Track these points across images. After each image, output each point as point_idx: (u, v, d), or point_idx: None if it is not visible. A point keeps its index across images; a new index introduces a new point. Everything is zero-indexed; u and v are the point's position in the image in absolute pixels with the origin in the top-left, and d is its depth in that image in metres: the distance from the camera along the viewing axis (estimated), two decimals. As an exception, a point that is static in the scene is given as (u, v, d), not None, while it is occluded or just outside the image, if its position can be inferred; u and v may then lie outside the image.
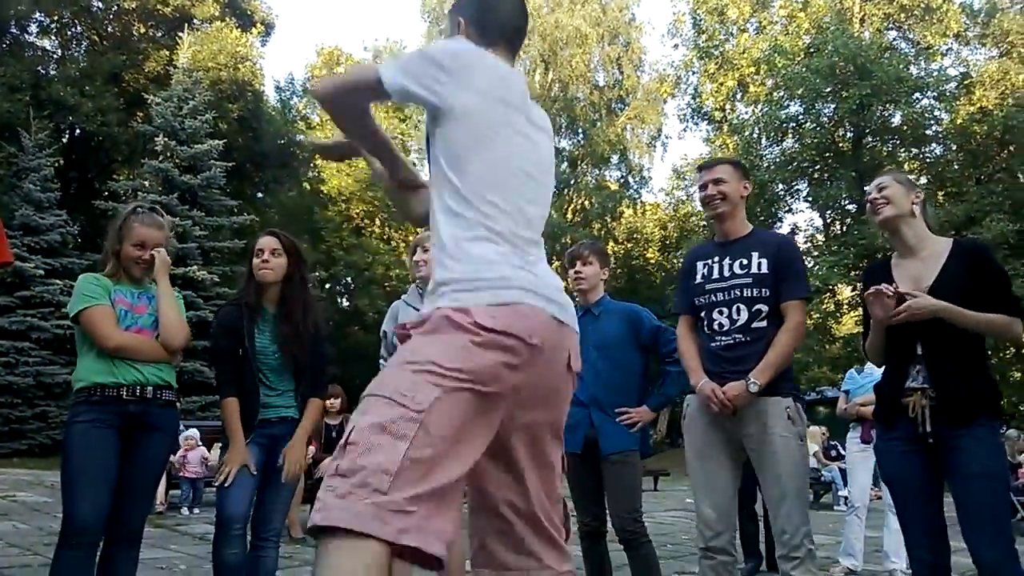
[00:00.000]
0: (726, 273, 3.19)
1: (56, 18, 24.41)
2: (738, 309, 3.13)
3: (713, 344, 3.18)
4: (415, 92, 1.76)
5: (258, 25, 27.34)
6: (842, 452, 11.74)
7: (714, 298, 3.19)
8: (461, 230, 1.74)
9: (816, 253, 22.85)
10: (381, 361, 3.75)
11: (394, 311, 3.88)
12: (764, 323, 3.10)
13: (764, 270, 3.12)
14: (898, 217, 2.93)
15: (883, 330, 2.89)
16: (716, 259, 3.24)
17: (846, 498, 7.47)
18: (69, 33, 25.77)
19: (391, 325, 3.85)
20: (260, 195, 27.08)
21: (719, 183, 3.23)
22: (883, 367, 3.03)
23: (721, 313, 3.16)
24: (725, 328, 3.15)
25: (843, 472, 11.01)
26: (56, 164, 19.92)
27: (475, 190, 1.75)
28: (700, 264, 3.29)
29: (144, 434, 3.05)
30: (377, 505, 1.44)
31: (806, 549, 2.97)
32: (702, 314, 3.24)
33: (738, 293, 3.14)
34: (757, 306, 3.11)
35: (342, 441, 1.54)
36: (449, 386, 1.55)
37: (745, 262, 3.16)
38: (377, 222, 32.38)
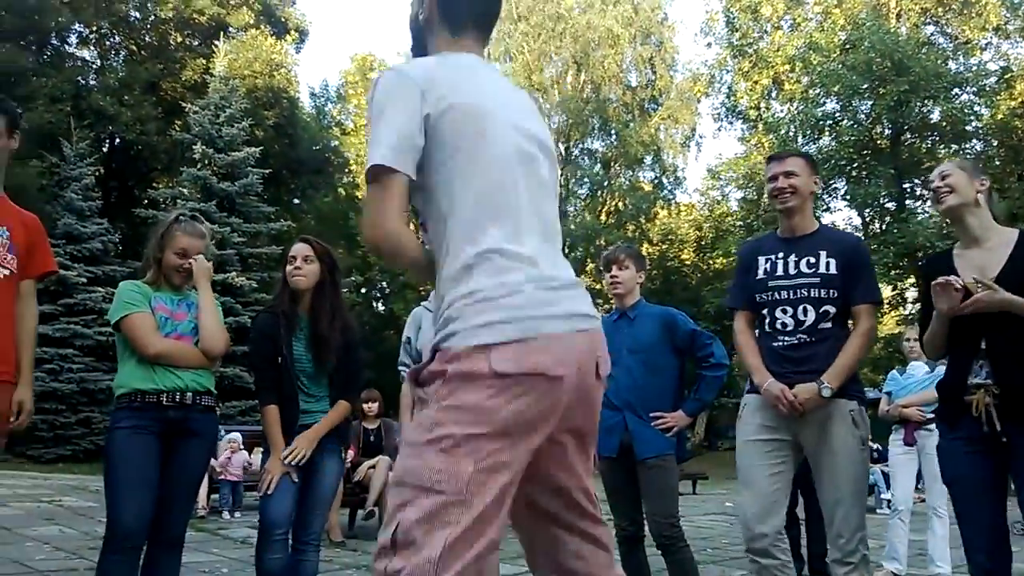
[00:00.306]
0: (792, 271, 3.10)
1: (95, 29, 24.85)
2: (804, 310, 3.04)
3: (776, 343, 3.10)
4: (415, 156, 1.67)
5: (292, 32, 27.63)
6: (884, 454, 11.57)
7: (778, 296, 3.10)
8: (462, 257, 1.63)
9: (855, 252, 22.53)
10: (401, 369, 3.76)
11: (416, 318, 3.91)
12: (830, 324, 3.03)
13: (832, 271, 3.04)
14: (962, 206, 2.84)
15: (946, 323, 2.79)
16: (781, 255, 3.15)
17: (889, 501, 7.35)
18: (107, 43, 26.23)
19: (413, 331, 3.89)
20: (296, 201, 27.35)
21: (790, 176, 3.15)
22: (937, 362, 2.97)
23: (785, 312, 3.08)
24: (789, 328, 3.07)
25: (885, 475, 10.85)
26: (97, 173, 20.24)
27: (469, 213, 1.65)
28: (762, 259, 3.19)
29: (184, 439, 3.10)
30: None
31: (861, 554, 2.92)
32: (764, 311, 3.14)
33: (805, 293, 3.05)
34: (825, 307, 3.03)
35: (389, 538, 1.52)
36: (480, 454, 1.50)
37: (813, 261, 3.07)
38: (411, 226, 32.53)
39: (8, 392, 2.93)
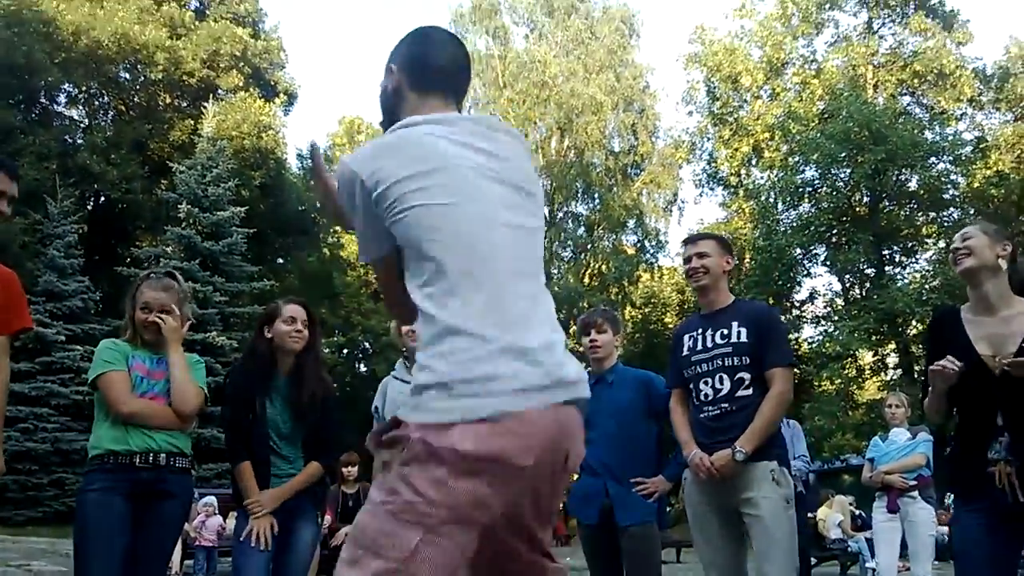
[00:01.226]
0: (708, 344, 3.27)
1: (84, 89, 25.10)
2: (721, 379, 3.21)
3: (701, 415, 3.26)
4: (391, 241, 1.67)
5: (281, 95, 27.97)
6: (868, 522, 11.48)
7: (699, 369, 3.28)
8: (437, 323, 1.58)
9: (836, 318, 22.66)
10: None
11: (383, 388, 3.94)
12: (749, 391, 3.17)
13: (744, 339, 3.20)
14: (981, 269, 2.74)
15: (944, 394, 2.72)
16: (700, 330, 3.34)
17: (874, 570, 7.27)
18: (96, 103, 26.47)
19: (380, 400, 3.89)
20: (280, 261, 27.37)
21: (702, 256, 3.34)
22: (939, 432, 2.94)
23: (706, 383, 3.24)
24: (711, 398, 3.23)
25: (869, 542, 10.75)
26: (80, 231, 20.26)
27: (443, 283, 1.60)
28: (686, 337, 3.39)
29: (158, 501, 3.04)
30: None
31: None
32: (690, 386, 3.32)
33: (720, 363, 3.22)
34: (739, 375, 3.18)
35: None
36: (429, 524, 1.48)
37: (726, 332, 3.24)
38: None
39: (-23, 451, 2.87)
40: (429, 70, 1.86)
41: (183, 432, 3.17)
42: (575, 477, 4.01)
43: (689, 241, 3.48)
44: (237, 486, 3.33)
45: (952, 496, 2.95)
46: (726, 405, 3.18)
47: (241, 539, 3.18)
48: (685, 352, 3.35)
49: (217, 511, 9.03)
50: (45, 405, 16.41)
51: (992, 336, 2.67)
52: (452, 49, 1.91)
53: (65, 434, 16.24)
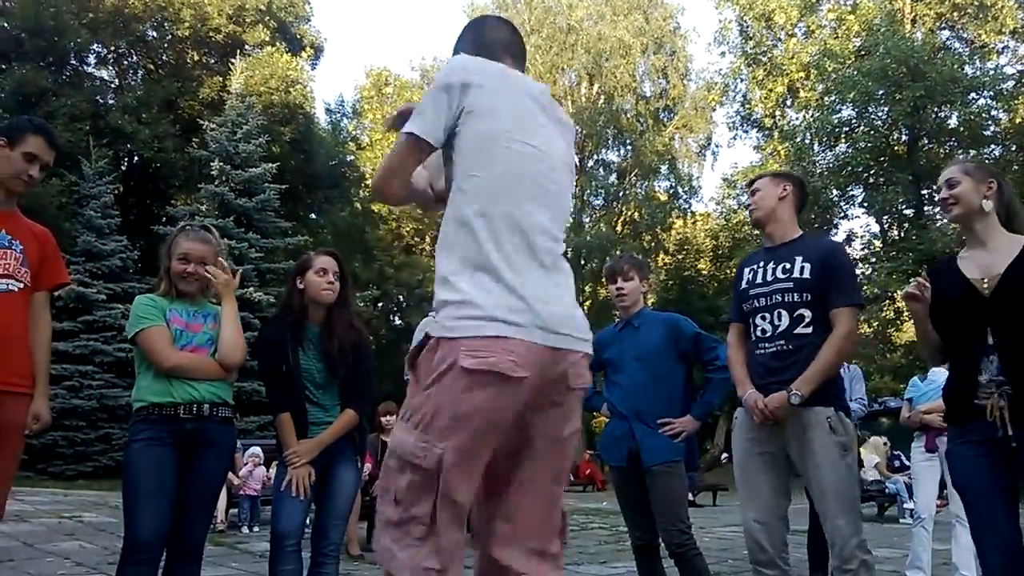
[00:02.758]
0: (768, 278, 3.15)
1: (113, 49, 25.15)
2: (779, 314, 3.08)
3: (757, 352, 3.15)
4: (450, 127, 1.89)
5: (307, 49, 27.81)
6: (906, 463, 11.44)
7: (757, 303, 3.16)
8: (458, 254, 1.85)
9: (874, 260, 22.39)
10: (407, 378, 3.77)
11: (422, 327, 3.93)
12: (809, 330, 3.03)
13: (807, 275, 3.06)
14: (969, 214, 2.81)
15: (928, 322, 2.82)
16: (761, 263, 3.22)
17: (911, 511, 7.26)
18: (125, 63, 26.53)
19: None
20: (313, 216, 27.48)
21: (754, 193, 3.28)
22: (947, 365, 2.92)
23: (764, 319, 3.13)
24: (768, 334, 3.11)
25: (908, 486, 10.73)
26: (116, 191, 20.42)
27: (473, 211, 1.85)
28: (747, 270, 3.28)
29: (202, 450, 3.11)
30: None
31: (859, 560, 2.89)
32: (749, 320, 3.21)
33: (779, 298, 3.09)
34: (799, 311, 3.05)
35: (383, 493, 1.85)
36: (449, 433, 1.74)
37: (788, 266, 3.11)
38: (427, 240, 32.66)
39: (25, 403, 2.95)
40: (496, 46, 2.11)
41: (225, 382, 3.22)
42: (604, 421, 4.04)
43: (748, 184, 3.45)
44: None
45: (948, 429, 2.93)
46: (783, 343, 3.06)
47: (281, 489, 3.25)
48: (744, 285, 3.24)
49: (262, 461, 9.25)
50: (89, 363, 16.76)
51: (981, 264, 2.75)
52: (504, 25, 2.24)
53: (110, 390, 16.61)
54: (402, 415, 1.85)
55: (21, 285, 2.97)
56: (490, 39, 2.14)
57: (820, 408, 2.96)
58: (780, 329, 3.07)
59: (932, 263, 19.93)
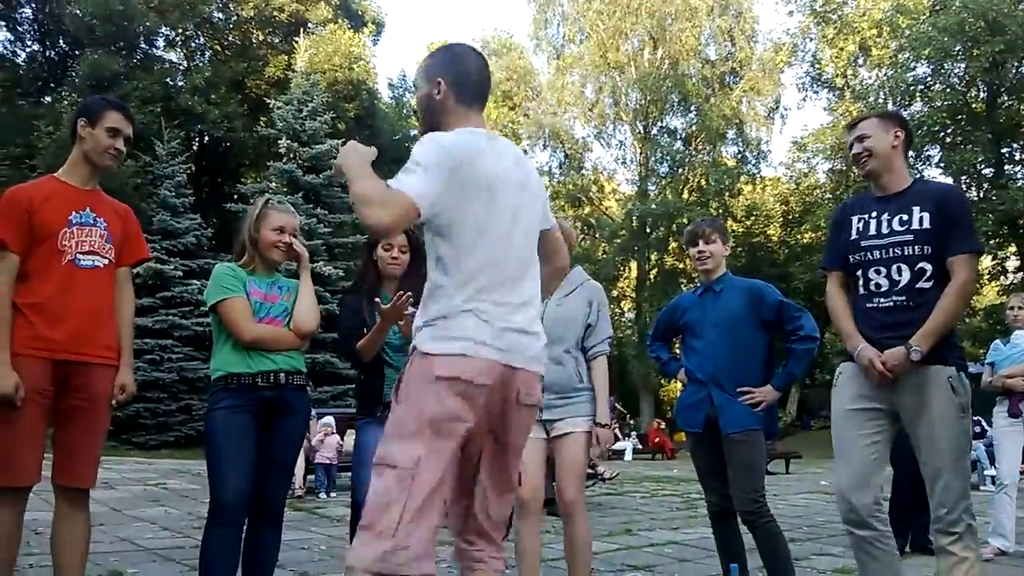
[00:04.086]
0: (884, 229, 2.96)
1: (180, 31, 25.72)
2: (899, 269, 2.91)
3: (870, 306, 2.98)
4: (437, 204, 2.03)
5: (369, 25, 28.02)
6: (987, 429, 11.13)
7: (871, 256, 2.98)
8: (442, 289, 2.09)
9: (951, 221, 21.65)
10: None
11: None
12: (930, 284, 2.87)
13: (927, 225, 2.88)
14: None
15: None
16: (874, 213, 3.02)
17: (993, 477, 7.07)
18: (193, 45, 27.11)
19: None
20: (379, 190, 27.75)
21: (863, 140, 3.06)
22: None
23: (879, 273, 2.95)
24: (884, 289, 2.94)
25: (989, 452, 10.45)
26: (188, 170, 20.96)
27: (455, 266, 2.08)
28: (855, 218, 3.07)
29: (279, 417, 3.20)
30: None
31: (965, 524, 2.80)
32: (857, 272, 3.03)
33: (899, 252, 2.92)
34: (920, 265, 2.88)
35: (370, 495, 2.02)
36: (427, 435, 1.98)
37: (906, 217, 2.93)
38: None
39: (112, 374, 3.07)
40: (470, 85, 2.25)
41: (298, 351, 3.31)
42: (681, 386, 4.01)
43: (849, 126, 3.21)
44: (360, 395, 3.56)
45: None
46: (903, 298, 2.88)
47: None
48: (854, 236, 3.03)
49: (335, 430, 9.47)
50: (168, 337, 17.34)
51: None
52: (483, 63, 2.33)
53: (189, 363, 17.18)
54: (389, 423, 2.05)
55: (106, 261, 3.09)
56: (474, 84, 2.26)
57: (941, 367, 2.83)
58: (901, 285, 2.91)
59: (1014, 224, 19.28)
